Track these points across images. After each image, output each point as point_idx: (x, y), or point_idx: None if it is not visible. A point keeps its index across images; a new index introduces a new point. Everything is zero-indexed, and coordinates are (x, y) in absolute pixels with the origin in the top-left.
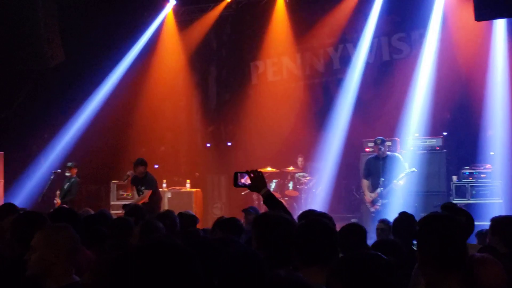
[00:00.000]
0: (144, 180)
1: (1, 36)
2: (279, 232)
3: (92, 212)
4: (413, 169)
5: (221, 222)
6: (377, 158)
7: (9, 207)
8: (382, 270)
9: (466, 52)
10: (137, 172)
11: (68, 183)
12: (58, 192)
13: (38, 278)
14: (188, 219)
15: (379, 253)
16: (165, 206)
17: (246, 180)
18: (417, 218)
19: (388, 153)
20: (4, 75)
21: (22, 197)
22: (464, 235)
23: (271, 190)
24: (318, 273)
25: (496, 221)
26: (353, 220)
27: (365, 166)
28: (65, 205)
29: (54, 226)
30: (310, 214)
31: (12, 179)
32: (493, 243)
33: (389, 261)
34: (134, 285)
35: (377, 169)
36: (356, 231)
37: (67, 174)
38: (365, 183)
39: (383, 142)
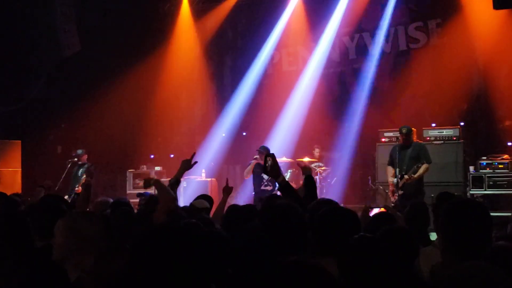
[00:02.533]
0: None
1: (18, 27)
2: (287, 220)
3: (111, 200)
4: (425, 163)
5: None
6: (401, 147)
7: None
8: (384, 255)
9: (484, 41)
10: None
11: (81, 169)
12: (84, 178)
13: (61, 263)
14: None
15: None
16: (181, 195)
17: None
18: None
19: (413, 142)
20: (21, 64)
21: (39, 185)
22: (489, 222)
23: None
24: (332, 263)
25: None
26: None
27: (390, 154)
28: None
29: (77, 213)
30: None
31: (30, 168)
32: None
33: (390, 246)
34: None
35: (398, 158)
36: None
37: (80, 162)
38: (389, 169)
39: (408, 131)
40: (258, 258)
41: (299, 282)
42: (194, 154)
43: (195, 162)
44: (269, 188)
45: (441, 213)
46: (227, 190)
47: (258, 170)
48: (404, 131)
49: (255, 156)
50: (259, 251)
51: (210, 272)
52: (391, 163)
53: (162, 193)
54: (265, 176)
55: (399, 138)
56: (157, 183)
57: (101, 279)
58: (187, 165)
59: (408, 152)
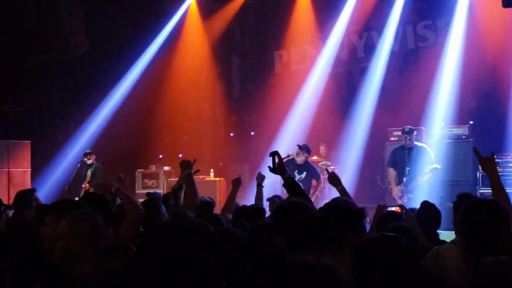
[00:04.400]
0: None
1: (27, 27)
2: (301, 218)
3: (119, 200)
4: (437, 166)
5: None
6: (403, 148)
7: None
8: (403, 252)
9: (493, 40)
10: None
11: (90, 169)
12: (89, 175)
13: (63, 264)
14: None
15: (398, 236)
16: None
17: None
18: (443, 208)
19: (416, 143)
20: (29, 65)
21: (48, 185)
22: (506, 219)
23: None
24: (346, 260)
25: None
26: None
27: (391, 155)
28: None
29: (78, 213)
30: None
31: (39, 168)
32: None
33: (408, 244)
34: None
35: (403, 159)
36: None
37: (89, 161)
38: (391, 172)
39: (410, 131)
40: (269, 257)
41: (310, 283)
42: (194, 160)
43: (198, 170)
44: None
45: (459, 212)
46: (236, 182)
47: (291, 167)
48: (407, 130)
49: (289, 153)
50: (270, 249)
51: (219, 271)
52: (393, 164)
53: (127, 203)
54: (296, 175)
55: (401, 138)
56: (118, 193)
57: (101, 279)
58: (187, 166)
59: (413, 154)
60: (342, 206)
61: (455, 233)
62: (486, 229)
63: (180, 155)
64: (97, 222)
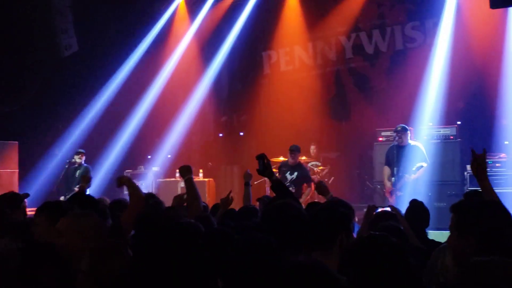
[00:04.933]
0: None
1: (16, 27)
2: (290, 218)
3: (108, 201)
4: (424, 164)
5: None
6: (396, 146)
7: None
8: (393, 251)
9: (481, 41)
10: None
11: (79, 171)
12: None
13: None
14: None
15: (388, 235)
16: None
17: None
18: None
19: (410, 142)
20: (18, 65)
21: (36, 186)
22: (508, 217)
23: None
24: (335, 260)
25: None
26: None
27: (385, 154)
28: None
29: (80, 212)
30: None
31: (27, 169)
32: None
33: (397, 243)
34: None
35: (393, 158)
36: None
37: (78, 160)
38: (386, 170)
39: (402, 130)
40: (261, 256)
41: (304, 282)
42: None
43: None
44: (292, 190)
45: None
46: (247, 176)
47: (284, 170)
48: (399, 129)
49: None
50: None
51: (216, 270)
52: (388, 163)
53: (133, 193)
54: (288, 177)
55: (395, 137)
56: (129, 183)
57: (97, 278)
58: (187, 171)
59: (404, 152)
60: (334, 207)
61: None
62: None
63: (169, 156)
64: (98, 221)
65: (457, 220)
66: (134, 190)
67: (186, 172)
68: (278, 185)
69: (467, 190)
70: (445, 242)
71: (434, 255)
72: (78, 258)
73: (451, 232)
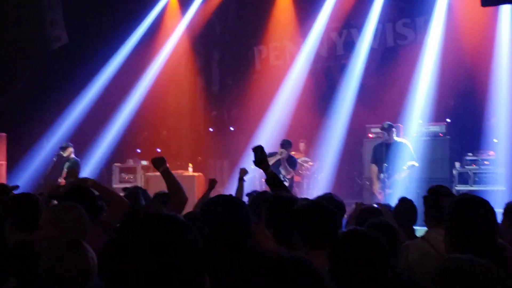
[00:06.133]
0: None
1: (5, 19)
2: (288, 212)
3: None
4: (415, 163)
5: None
6: (382, 144)
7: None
8: (374, 246)
9: (471, 39)
10: None
11: (68, 164)
12: (65, 171)
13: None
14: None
15: (370, 231)
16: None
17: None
18: (420, 205)
19: (396, 139)
20: (7, 57)
21: (24, 179)
22: (495, 217)
23: None
24: (321, 256)
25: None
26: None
27: (372, 152)
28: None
29: (63, 206)
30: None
31: (15, 161)
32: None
33: (379, 237)
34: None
35: (381, 155)
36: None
37: (64, 155)
38: (372, 168)
39: (389, 127)
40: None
41: (289, 277)
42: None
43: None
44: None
45: (448, 208)
46: (212, 183)
47: (276, 164)
48: (385, 126)
49: (280, 150)
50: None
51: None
52: (375, 160)
53: (107, 196)
54: (282, 171)
55: (384, 134)
56: (95, 185)
57: (58, 275)
58: (160, 162)
59: (392, 150)
60: (324, 204)
61: (428, 228)
62: (478, 227)
63: (159, 150)
64: (81, 216)
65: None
66: (107, 192)
67: (160, 163)
68: (273, 178)
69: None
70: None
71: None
72: (55, 250)
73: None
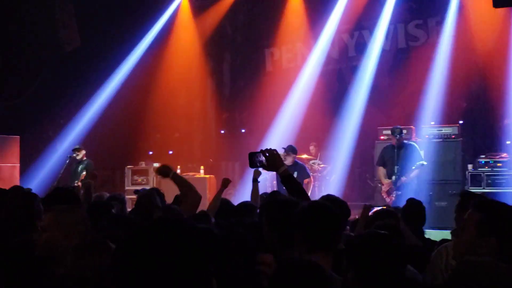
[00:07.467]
0: None
1: (18, 22)
2: (288, 215)
3: (107, 195)
4: (423, 162)
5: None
6: (393, 147)
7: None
8: (390, 249)
9: (484, 40)
10: None
11: (81, 166)
12: (83, 174)
13: (47, 259)
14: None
15: (386, 233)
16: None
17: (262, 158)
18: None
19: (405, 141)
20: (20, 60)
21: (37, 181)
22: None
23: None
24: (324, 259)
25: None
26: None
27: (380, 154)
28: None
29: (65, 207)
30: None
31: (28, 163)
32: None
33: (395, 240)
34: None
35: (393, 158)
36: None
37: (78, 157)
38: (381, 170)
39: (400, 131)
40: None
41: (298, 280)
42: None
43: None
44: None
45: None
46: (226, 182)
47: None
48: (396, 131)
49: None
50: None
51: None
52: (383, 163)
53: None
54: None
55: (391, 138)
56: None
57: (80, 275)
58: (167, 170)
59: (401, 152)
60: (327, 206)
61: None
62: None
63: (171, 152)
64: (83, 218)
65: (480, 219)
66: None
67: (167, 171)
68: (287, 177)
69: (464, 190)
70: (448, 240)
71: (438, 251)
72: (60, 253)
73: (467, 230)
